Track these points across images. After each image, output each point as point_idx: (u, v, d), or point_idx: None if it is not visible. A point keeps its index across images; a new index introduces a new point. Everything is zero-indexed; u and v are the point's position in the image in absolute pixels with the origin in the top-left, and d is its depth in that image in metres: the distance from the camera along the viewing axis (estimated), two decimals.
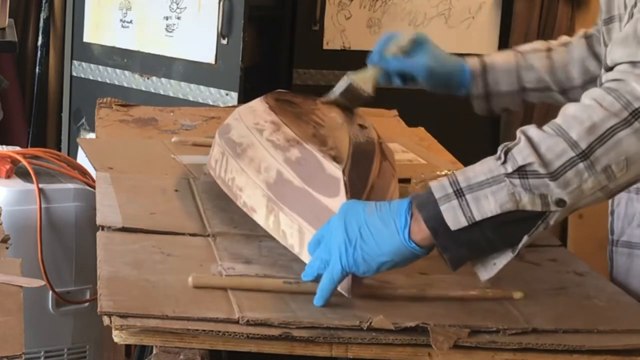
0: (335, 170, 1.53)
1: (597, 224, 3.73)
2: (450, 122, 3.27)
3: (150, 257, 1.55)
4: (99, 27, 3.68)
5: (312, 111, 1.82)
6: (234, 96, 3.31)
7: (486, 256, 1.39)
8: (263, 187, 1.60)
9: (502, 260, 1.38)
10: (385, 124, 2.47)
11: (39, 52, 3.92)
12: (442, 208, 1.34)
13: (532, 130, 1.36)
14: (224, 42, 3.32)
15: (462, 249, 1.36)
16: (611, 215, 1.78)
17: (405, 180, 1.87)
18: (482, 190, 1.33)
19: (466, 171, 1.37)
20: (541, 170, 1.32)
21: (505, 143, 1.36)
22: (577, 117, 1.34)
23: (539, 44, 1.94)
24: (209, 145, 1.90)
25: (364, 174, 1.58)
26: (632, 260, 1.72)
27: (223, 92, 3.34)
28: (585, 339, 1.39)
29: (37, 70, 3.94)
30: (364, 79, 1.83)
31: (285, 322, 1.35)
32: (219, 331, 1.32)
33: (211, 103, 3.35)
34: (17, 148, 2.48)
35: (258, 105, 1.83)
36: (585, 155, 1.32)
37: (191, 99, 3.43)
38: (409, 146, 2.29)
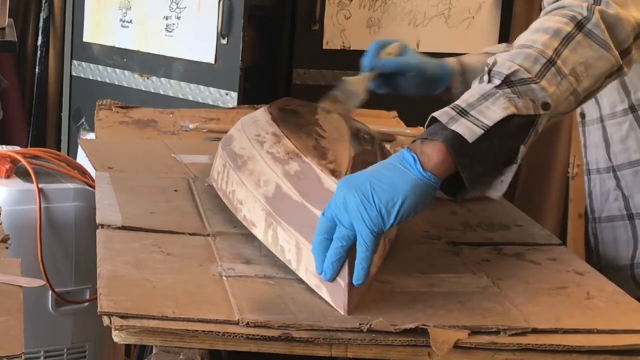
0: (333, 185, 1.50)
1: None
2: None
3: (150, 256, 1.55)
4: (99, 27, 3.69)
5: (315, 122, 1.80)
6: (234, 96, 3.31)
7: (495, 177, 1.48)
8: (262, 201, 1.58)
9: (508, 176, 1.47)
10: (385, 125, 2.48)
11: (39, 52, 3.92)
12: (454, 127, 1.43)
13: (501, 54, 1.50)
14: (224, 42, 3.32)
15: (477, 166, 1.44)
16: (589, 197, 1.94)
17: None
18: (482, 104, 1.45)
19: (460, 99, 1.47)
20: (525, 76, 1.46)
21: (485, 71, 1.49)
22: (538, 30, 1.52)
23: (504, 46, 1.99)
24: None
25: None
26: (616, 231, 1.90)
27: (223, 92, 3.34)
28: (586, 339, 1.39)
29: (37, 70, 3.94)
30: (357, 82, 1.89)
31: (286, 325, 1.35)
32: (219, 332, 1.32)
33: (211, 103, 3.35)
34: (17, 148, 2.48)
35: (261, 115, 1.81)
36: (553, 60, 1.48)
37: (191, 99, 3.43)
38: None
